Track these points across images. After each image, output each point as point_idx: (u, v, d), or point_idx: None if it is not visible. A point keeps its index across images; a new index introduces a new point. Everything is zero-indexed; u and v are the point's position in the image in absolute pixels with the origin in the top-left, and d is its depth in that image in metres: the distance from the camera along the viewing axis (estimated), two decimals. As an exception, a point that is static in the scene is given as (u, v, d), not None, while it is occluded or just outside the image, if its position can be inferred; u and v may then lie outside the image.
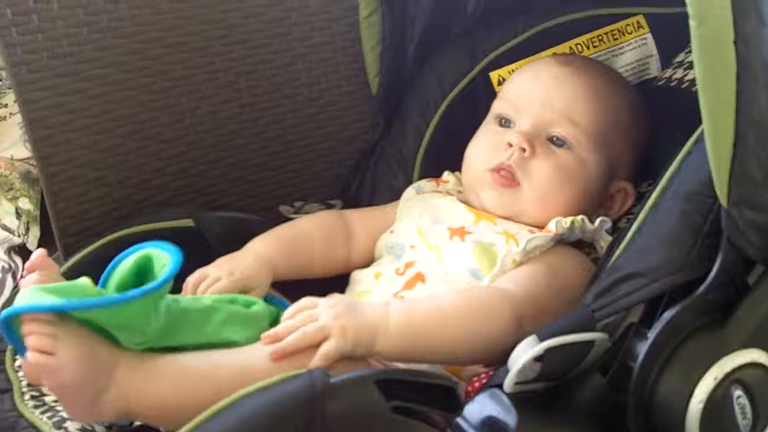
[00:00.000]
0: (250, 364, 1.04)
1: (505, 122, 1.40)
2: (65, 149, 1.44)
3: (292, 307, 1.11)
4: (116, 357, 1.01)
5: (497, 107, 1.43)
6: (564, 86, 1.38)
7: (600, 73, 1.44)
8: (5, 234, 2.02)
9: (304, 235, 1.41)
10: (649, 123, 1.44)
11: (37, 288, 1.02)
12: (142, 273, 1.09)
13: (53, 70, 1.41)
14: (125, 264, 1.10)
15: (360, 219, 1.48)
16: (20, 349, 1.02)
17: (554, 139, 1.35)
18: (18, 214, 2.04)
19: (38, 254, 1.10)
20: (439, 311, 1.13)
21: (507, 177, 1.34)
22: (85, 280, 1.07)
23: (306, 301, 1.12)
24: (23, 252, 2.01)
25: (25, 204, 2.05)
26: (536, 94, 1.38)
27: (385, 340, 1.09)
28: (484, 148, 1.40)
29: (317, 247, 1.41)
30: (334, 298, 1.12)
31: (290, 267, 1.36)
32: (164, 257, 1.07)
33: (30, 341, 0.98)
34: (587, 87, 1.38)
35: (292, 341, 1.05)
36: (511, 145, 1.34)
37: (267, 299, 1.26)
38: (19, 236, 2.01)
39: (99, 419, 1.10)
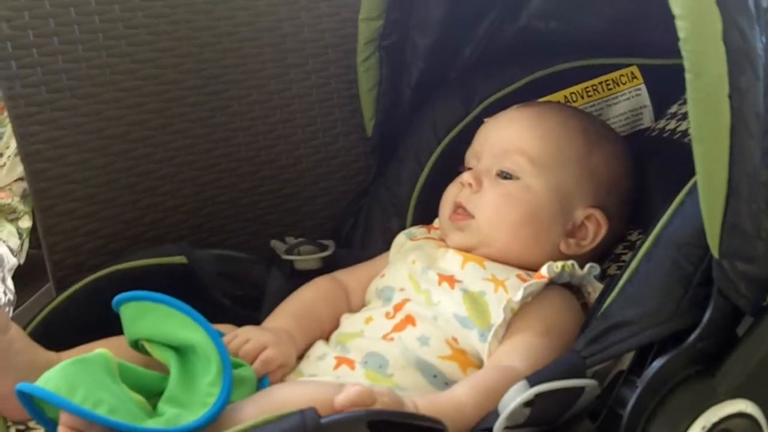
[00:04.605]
0: None
1: (469, 169, 1.43)
2: (60, 183, 1.44)
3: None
4: None
5: (466, 156, 1.46)
6: (515, 123, 1.43)
7: (554, 108, 1.48)
8: (14, 261, 2.01)
9: (311, 306, 1.40)
10: (621, 158, 1.44)
11: (66, 370, 1.00)
12: (184, 348, 1.10)
13: (51, 104, 1.42)
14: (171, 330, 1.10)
15: (352, 274, 1.49)
16: (36, 416, 1.04)
17: (503, 173, 1.38)
18: (19, 234, 2.05)
19: None
20: (458, 404, 1.13)
21: (461, 213, 1.39)
22: (105, 354, 1.06)
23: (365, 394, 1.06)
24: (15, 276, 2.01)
25: (24, 223, 2.07)
26: (490, 135, 1.43)
27: None
28: (448, 196, 1.44)
29: (324, 314, 1.39)
30: (390, 394, 1.09)
31: (306, 340, 1.35)
32: (212, 354, 1.06)
33: (65, 418, 0.98)
34: (536, 119, 1.42)
35: None
36: (463, 185, 1.39)
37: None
38: (15, 256, 2.01)
39: None
